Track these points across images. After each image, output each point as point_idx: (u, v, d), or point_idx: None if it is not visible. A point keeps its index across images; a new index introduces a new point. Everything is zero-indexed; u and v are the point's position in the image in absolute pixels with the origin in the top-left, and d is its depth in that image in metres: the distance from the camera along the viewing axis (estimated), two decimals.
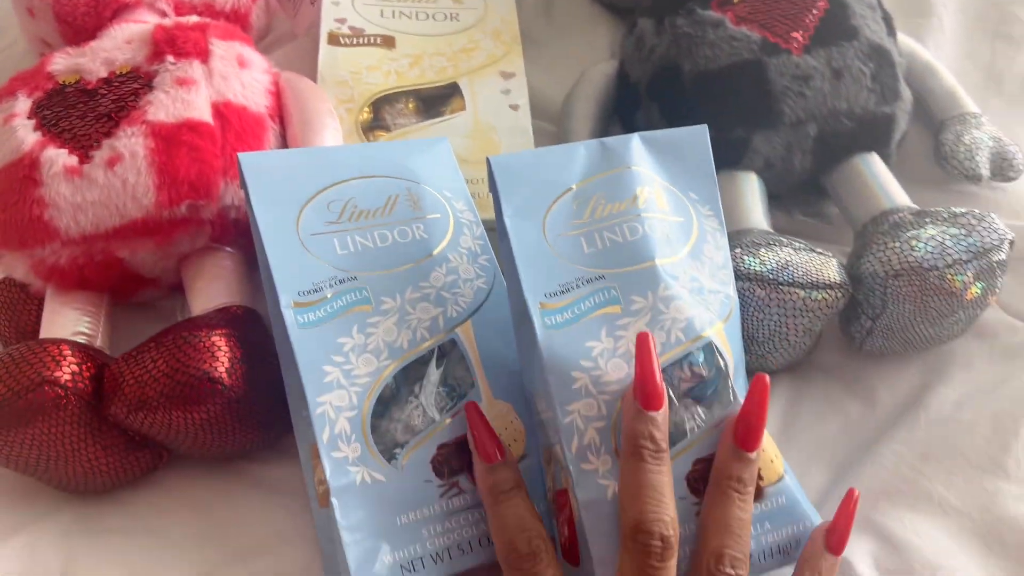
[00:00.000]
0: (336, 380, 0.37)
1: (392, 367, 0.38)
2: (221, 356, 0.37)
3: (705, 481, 0.35)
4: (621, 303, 0.37)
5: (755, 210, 0.47)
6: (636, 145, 0.40)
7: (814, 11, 0.48)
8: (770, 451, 0.37)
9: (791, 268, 0.41)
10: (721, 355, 0.37)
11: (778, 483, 0.36)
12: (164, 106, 0.41)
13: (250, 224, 0.39)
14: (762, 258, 0.41)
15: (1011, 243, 0.41)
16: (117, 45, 0.45)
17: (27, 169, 0.40)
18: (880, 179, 0.47)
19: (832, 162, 0.48)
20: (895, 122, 0.48)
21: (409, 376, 0.38)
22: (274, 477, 0.42)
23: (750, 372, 0.43)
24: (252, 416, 0.39)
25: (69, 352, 0.37)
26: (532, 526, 0.34)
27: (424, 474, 0.37)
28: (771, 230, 0.46)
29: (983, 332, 0.46)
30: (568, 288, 0.37)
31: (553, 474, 0.37)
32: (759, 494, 0.36)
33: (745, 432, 0.34)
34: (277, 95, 0.47)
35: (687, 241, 0.39)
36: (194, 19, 0.46)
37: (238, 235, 0.43)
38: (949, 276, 0.40)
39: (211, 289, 0.42)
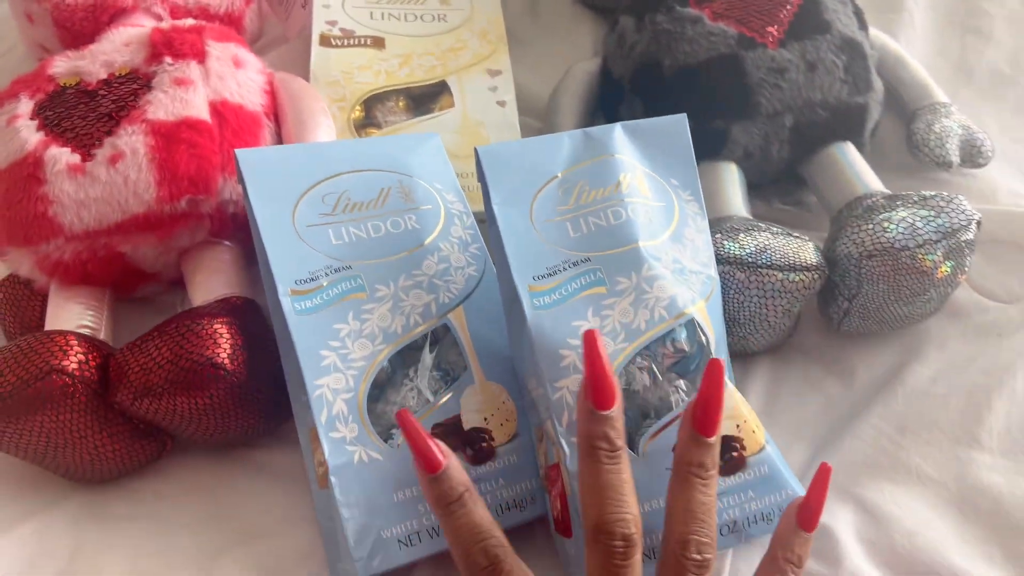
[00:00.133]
0: (333, 364, 0.38)
1: (387, 351, 0.39)
2: (223, 343, 0.38)
3: None
4: (606, 284, 0.38)
5: (735, 198, 0.48)
6: (618, 134, 0.42)
7: (788, 7, 0.50)
8: (751, 422, 0.38)
9: (769, 251, 0.42)
10: (703, 331, 0.39)
11: (760, 453, 0.38)
12: (163, 105, 0.43)
13: (248, 217, 0.40)
14: (741, 242, 0.43)
15: (978, 223, 0.43)
16: (116, 48, 0.46)
17: (31, 168, 0.41)
18: (855, 166, 0.49)
19: (808, 151, 0.50)
20: (868, 112, 0.50)
21: (404, 360, 0.40)
22: (275, 463, 0.43)
23: (733, 355, 0.45)
24: (253, 401, 0.40)
25: (76, 342, 0.38)
26: (487, 534, 0.32)
27: None
28: (750, 217, 0.47)
29: (956, 312, 0.48)
30: (555, 271, 0.38)
31: (545, 451, 0.38)
32: (742, 464, 0.38)
33: (703, 417, 0.33)
34: (272, 94, 0.48)
35: (669, 225, 0.41)
36: (190, 22, 0.48)
37: (236, 229, 0.45)
38: (920, 256, 0.41)
39: (211, 281, 0.43)
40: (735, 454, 0.37)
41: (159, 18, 0.51)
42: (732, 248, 0.42)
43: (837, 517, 0.41)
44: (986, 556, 0.39)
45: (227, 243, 0.45)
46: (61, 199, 0.41)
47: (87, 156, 0.42)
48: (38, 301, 0.45)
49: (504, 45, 0.57)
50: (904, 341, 0.47)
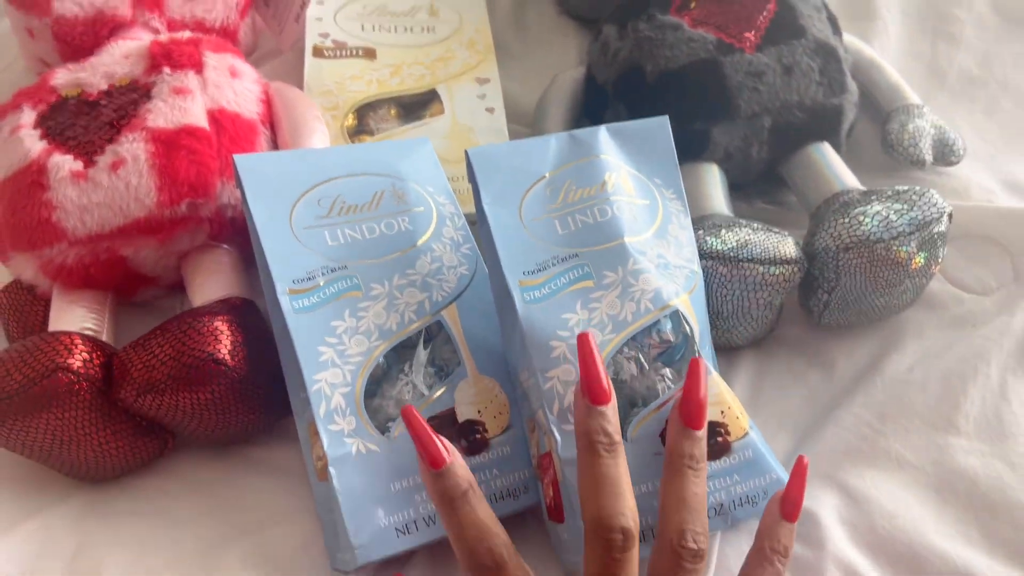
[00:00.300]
0: (331, 359, 0.39)
1: (382, 347, 0.40)
2: (224, 339, 0.39)
3: None
4: (594, 278, 0.40)
5: (717, 198, 0.50)
6: (603, 136, 0.43)
7: (764, 13, 0.52)
8: (735, 408, 0.39)
9: (750, 246, 0.44)
10: (687, 322, 0.40)
11: (744, 438, 0.39)
12: (163, 113, 0.44)
13: (246, 220, 0.41)
14: (723, 238, 0.44)
15: (950, 215, 0.44)
16: (115, 60, 0.47)
17: (35, 175, 0.43)
18: (832, 165, 0.50)
19: (787, 151, 0.51)
20: (843, 113, 0.52)
21: (399, 357, 0.41)
22: (273, 459, 0.44)
23: (718, 348, 0.46)
24: (253, 396, 0.41)
25: (80, 341, 0.39)
26: (492, 533, 0.33)
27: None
28: (732, 215, 0.49)
29: (932, 303, 0.49)
30: (544, 266, 0.40)
31: (537, 440, 0.40)
32: (727, 448, 0.39)
33: (688, 411, 0.35)
34: (267, 103, 0.50)
35: (653, 222, 0.43)
36: (187, 35, 0.49)
37: (234, 233, 0.46)
38: (895, 247, 0.43)
39: (210, 283, 0.44)
40: (720, 439, 0.39)
41: (156, 32, 0.52)
42: (714, 243, 0.44)
43: (820, 502, 0.42)
44: (964, 535, 0.40)
45: (225, 247, 0.46)
46: (64, 204, 0.42)
47: (89, 163, 0.43)
48: (41, 306, 0.46)
49: (492, 55, 0.59)
50: (883, 333, 0.49)
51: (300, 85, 0.54)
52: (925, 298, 0.49)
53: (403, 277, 0.42)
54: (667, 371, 0.39)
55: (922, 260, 0.44)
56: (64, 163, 0.43)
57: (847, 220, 0.44)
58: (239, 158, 0.41)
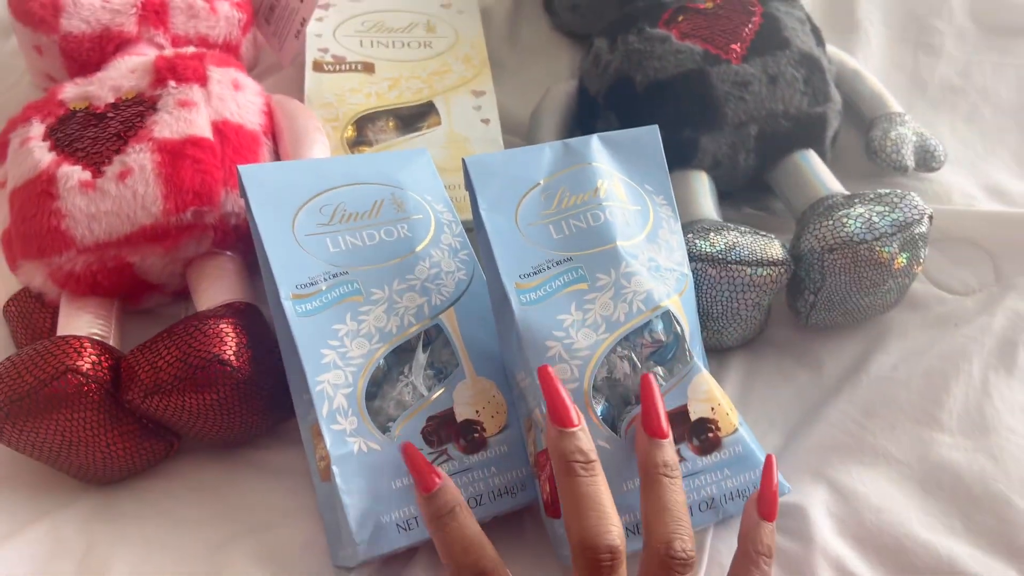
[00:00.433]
0: (333, 361, 0.40)
1: (383, 349, 0.41)
2: (229, 341, 0.41)
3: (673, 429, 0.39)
4: (588, 280, 0.41)
5: (706, 204, 0.51)
6: (595, 144, 0.45)
7: (749, 26, 0.54)
8: (725, 405, 0.41)
9: (738, 248, 0.45)
10: (678, 323, 0.41)
11: (734, 434, 0.40)
12: (168, 125, 0.46)
13: (250, 228, 0.42)
14: (712, 241, 0.46)
15: (930, 217, 0.46)
16: (122, 74, 0.49)
17: (44, 184, 0.44)
18: (817, 172, 0.52)
19: (773, 159, 0.53)
20: (827, 121, 0.53)
21: (399, 360, 0.42)
22: (276, 461, 0.45)
23: (709, 349, 0.47)
24: (257, 398, 0.42)
25: (89, 344, 0.41)
26: (477, 547, 0.34)
27: (415, 443, 0.40)
28: (721, 220, 0.51)
29: (916, 304, 0.51)
30: (540, 269, 0.41)
31: (534, 439, 0.41)
32: (717, 444, 0.40)
33: (649, 423, 0.37)
34: (269, 115, 0.51)
35: (644, 227, 0.44)
36: (191, 50, 0.51)
37: (238, 240, 0.47)
38: (877, 248, 0.45)
39: (214, 289, 0.46)
40: (710, 435, 0.40)
41: (161, 48, 0.54)
42: (703, 246, 0.45)
43: (809, 497, 0.43)
44: (948, 527, 0.42)
45: (229, 254, 0.48)
46: (73, 213, 0.43)
47: (97, 173, 0.44)
48: (48, 314, 0.47)
49: (487, 69, 0.61)
50: (868, 333, 0.50)
51: (301, 98, 0.56)
52: (909, 299, 0.51)
53: (403, 282, 0.43)
54: (659, 369, 0.41)
55: (904, 260, 0.45)
56: (73, 173, 0.44)
57: (831, 222, 0.45)
58: (243, 168, 0.42)
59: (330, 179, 0.44)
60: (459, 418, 0.41)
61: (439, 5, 0.66)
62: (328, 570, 0.41)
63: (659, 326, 0.41)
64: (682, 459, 0.40)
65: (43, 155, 0.45)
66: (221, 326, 0.41)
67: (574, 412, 0.36)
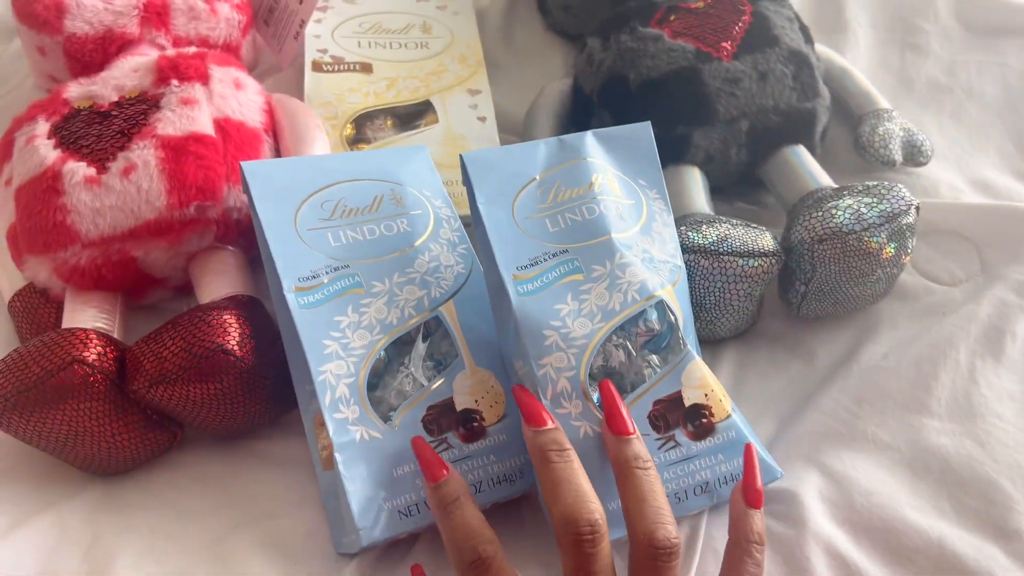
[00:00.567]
0: (335, 352, 0.41)
1: (384, 340, 0.42)
2: (232, 331, 0.41)
3: (664, 419, 0.40)
4: (583, 271, 0.42)
5: (699, 198, 0.52)
6: (590, 140, 0.46)
7: (739, 24, 0.55)
8: (718, 392, 0.42)
9: (730, 240, 0.46)
10: (672, 312, 0.42)
11: (727, 419, 0.41)
12: (171, 122, 0.46)
13: (253, 223, 0.43)
14: (704, 233, 0.47)
15: (917, 208, 0.47)
16: (125, 73, 0.50)
17: (50, 180, 0.45)
18: (807, 166, 0.53)
19: (764, 154, 0.54)
20: (816, 116, 0.54)
21: (400, 351, 0.43)
22: (278, 452, 0.46)
23: (703, 341, 0.48)
24: (260, 388, 0.43)
25: (94, 336, 0.41)
26: (479, 534, 0.35)
27: (416, 431, 0.41)
28: (713, 213, 0.52)
29: (904, 295, 0.52)
30: (537, 261, 0.42)
31: None
32: (711, 429, 0.41)
33: (614, 422, 0.38)
34: (270, 113, 0.52)
35: (638, 220, 0.45)
36: (193, 50, 0.52)
37: (240, 235, 0.48)
38: (866, 238, 0.46)
39: (217, 282, 0.46)
40: (704, 420, 0.41)
41: (163, 48, 0.55)
42: (696, 238, 0.46)
43: (801, 482, 0.44)
44: (937, 509, 0.42)
45: (231, 248, 0.48)
46: (79, 208, 0.44)
47: (102, 169, 0.45)
48: (53, 309, 0.48)
49: (483, 68, 0.62)
50: (858, 323, 0.51)
51: (301, 98, 0.57)
52: (898, 290, 0.52)
53: (403, 275, 0.44)
54: (653, 357, 0.41)
55: (892, 250, 0.47)
56: (78, 169, 0.45)
57: (821, 214, 0.47)
58: (246, 164, 0.43)
59: (331, 175, 0.45)
60: (458, 407, 0.42)
61: (435, 7, 0.67)
62: (331, 558, 0.42)
63: (653, 315, 0.42)
64: (677, 444, 0.41)
65: (48, 152, 0.46)
66: (225, 317, 0.42)
67: (546, 415, 0.38)
